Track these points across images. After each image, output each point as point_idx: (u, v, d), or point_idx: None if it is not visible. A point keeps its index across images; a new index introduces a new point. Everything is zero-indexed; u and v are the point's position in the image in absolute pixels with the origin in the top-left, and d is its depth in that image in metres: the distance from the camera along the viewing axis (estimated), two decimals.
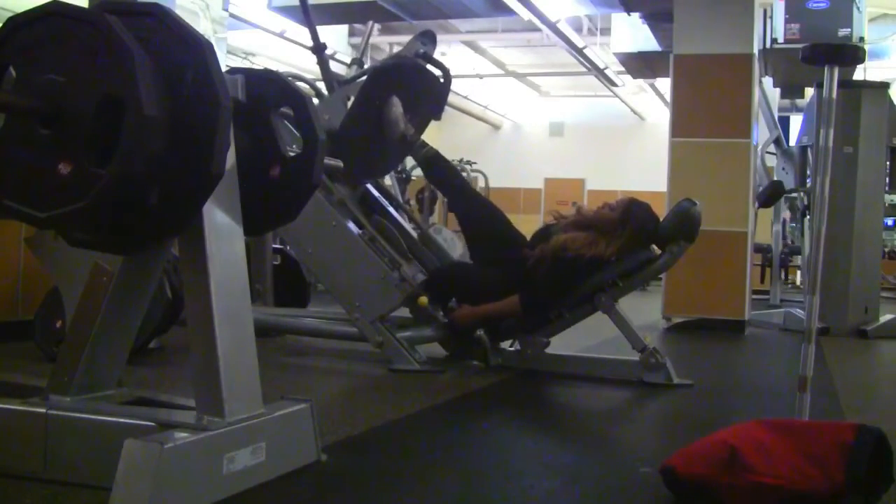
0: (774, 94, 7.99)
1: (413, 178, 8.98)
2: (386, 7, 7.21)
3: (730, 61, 5.51)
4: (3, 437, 1.77)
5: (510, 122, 17.73)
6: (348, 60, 4.41)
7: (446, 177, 4.07)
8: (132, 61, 1.52)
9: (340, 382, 3.44)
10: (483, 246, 3.78)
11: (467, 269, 3.83)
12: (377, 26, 9.70)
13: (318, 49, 3.84)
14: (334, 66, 4.05)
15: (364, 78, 3.72)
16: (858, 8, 6.01)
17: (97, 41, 1.54)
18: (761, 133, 6.64)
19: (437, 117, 3.93)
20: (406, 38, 4.25)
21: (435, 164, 3.96)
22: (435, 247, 3.99)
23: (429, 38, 3.86)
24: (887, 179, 5.84)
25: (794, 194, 7.10)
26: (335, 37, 10.19)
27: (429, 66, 3.77)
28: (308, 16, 3.92)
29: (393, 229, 3.78)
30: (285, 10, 7.82)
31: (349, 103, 3.65)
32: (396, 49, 11.36)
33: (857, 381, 4.02)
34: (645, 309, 6.02)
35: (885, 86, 5.95)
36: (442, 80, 3.80)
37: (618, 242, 3.38)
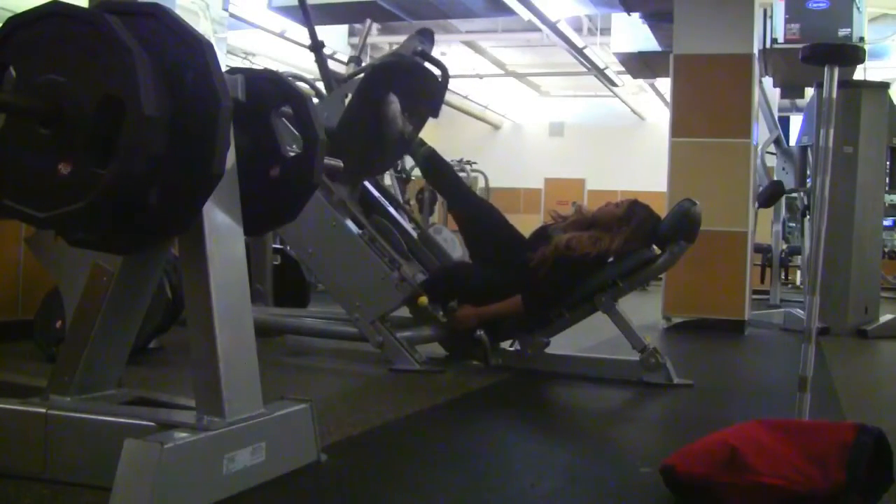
0: (774, 94, 7.98)
1: (413, 178, 8.99)
2: (386, 7, 7.20)
3: (730, 61, 5.51)
4: (3, 437, 1.77)
5: (510, 122, 17.72)
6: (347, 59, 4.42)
7: (443, 176, 4.07)
8: (132, 61, 1.52)
9: (340, 382, 3.44)
10: (482, 246, 3.78)
11: (468, 270, 3.82)
12: (376, 26, 9.71)
13: (316, 48, 3.85)
14: (334, 66, 4.05)
15: (362, 76, 3.72)
16: (858, 8, 6.01)
17: (97, 41, 1.54)
18: (761, 133, 6.64)
19: (435, 115, 3.92)
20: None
21: (432, 163, 3.97)
22: (435, 247, 3.99)
23: (426, 37, 3.86)
24: (887, 179, 5.84)
25: (794, 194, 7.10)
26: (335, 37, 10.19)
27: (426, 64, 3.77)
28: (307, 14, 3.92)
29: (393, 229, 3.78)
30: (285, 10, 7.82)
31: (347, 101, 3.64)
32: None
33: (857, 381, 4.02)
34: (645, 309, 6.01)
35: (885, 86, 5.95)
36: (440, 78, 3.80)
37: (622, 236, 3.38)
